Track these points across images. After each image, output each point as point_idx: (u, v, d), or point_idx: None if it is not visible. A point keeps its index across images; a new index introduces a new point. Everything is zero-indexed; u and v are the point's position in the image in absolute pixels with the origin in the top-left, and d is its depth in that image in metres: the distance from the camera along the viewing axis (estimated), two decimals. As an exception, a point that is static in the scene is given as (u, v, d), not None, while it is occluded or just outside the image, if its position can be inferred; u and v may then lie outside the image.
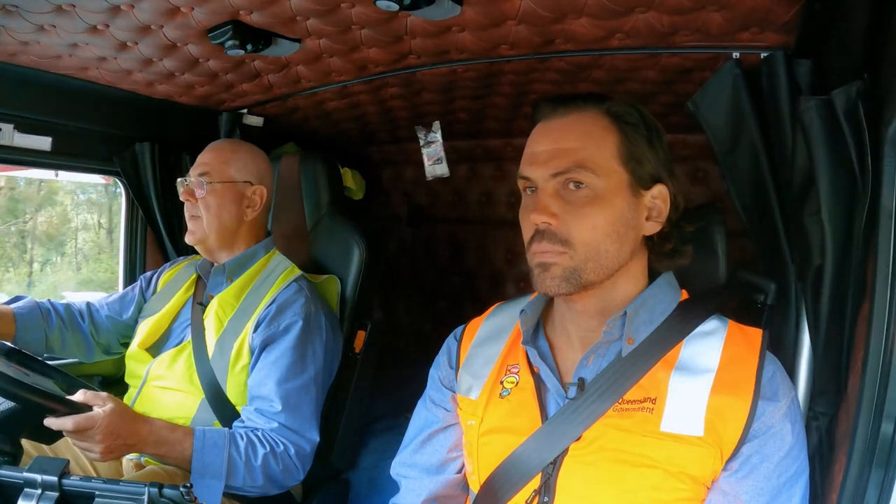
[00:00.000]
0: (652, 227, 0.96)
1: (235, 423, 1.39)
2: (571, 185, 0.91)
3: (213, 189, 1.49)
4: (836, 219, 0.95)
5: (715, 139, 1.17)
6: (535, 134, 0.98)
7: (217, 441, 1.30)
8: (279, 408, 1.36)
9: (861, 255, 0.94)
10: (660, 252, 0.98)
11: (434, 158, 2.07)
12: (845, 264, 0.96)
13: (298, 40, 1.30)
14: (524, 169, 0.96)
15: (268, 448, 1.34)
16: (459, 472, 1.09)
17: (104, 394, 1.21)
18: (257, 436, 1.35)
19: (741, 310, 1.06)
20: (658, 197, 0.95)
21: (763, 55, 1.10)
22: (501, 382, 1.01)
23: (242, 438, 1.33)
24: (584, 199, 0.91)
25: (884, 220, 0.85)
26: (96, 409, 1.16)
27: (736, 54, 1.15)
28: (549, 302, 1.05)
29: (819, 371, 1.06)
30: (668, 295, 0.98)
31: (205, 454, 1.28)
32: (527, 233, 0.95)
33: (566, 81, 1.49)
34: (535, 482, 0.92)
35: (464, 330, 1.14)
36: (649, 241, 0.98)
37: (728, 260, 1.12)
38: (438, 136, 2.02)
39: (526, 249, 0.96)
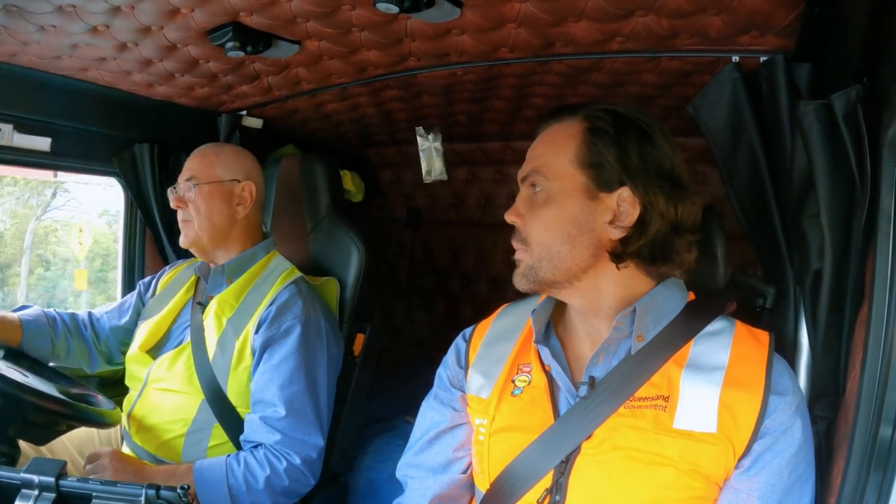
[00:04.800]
0: (616, 232, 0.94)
1: (241, 438, 1.40)
2: (533, 189, 0.98)
3: (200, 191, 1.49)
4: (834, 222, 0.95)
5: (714, 143, 1.18)
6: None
7: (215, 477, 1.34)
8: (283, 412, 1.37)
9: (860, 258, 0.94)
10: (622, 255, 0.94)
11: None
12: (844, 268, 0.97)
13: (298, 42, 1.30)
14: None
15: (268, 471, 1.35)
16: (464, 472, 1.09)
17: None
18: (257, 458, 1.36)
19: (740, 313, 1.06)
20: (626, 200, 0.93)
21: (762, 59, 1.11)
22: (513, 381, 1.02)
23: (240, 465, 1.35)
24: (540, 201, 0.97)
25: (882, 224, 0.85)
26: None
27: (735, 58, 1.15)
28: (560, 302, 1.06)
29: (818, 374, 1.06)
30: (677, 295, 0.98)
31: (206, 492, 1.32)
32: None
33: (566, 85, 1.50)
34: (547, 481, 0.92)
35: (473, 330, 1.15)
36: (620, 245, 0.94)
37: (727, 263, 1.13)
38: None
39: None
